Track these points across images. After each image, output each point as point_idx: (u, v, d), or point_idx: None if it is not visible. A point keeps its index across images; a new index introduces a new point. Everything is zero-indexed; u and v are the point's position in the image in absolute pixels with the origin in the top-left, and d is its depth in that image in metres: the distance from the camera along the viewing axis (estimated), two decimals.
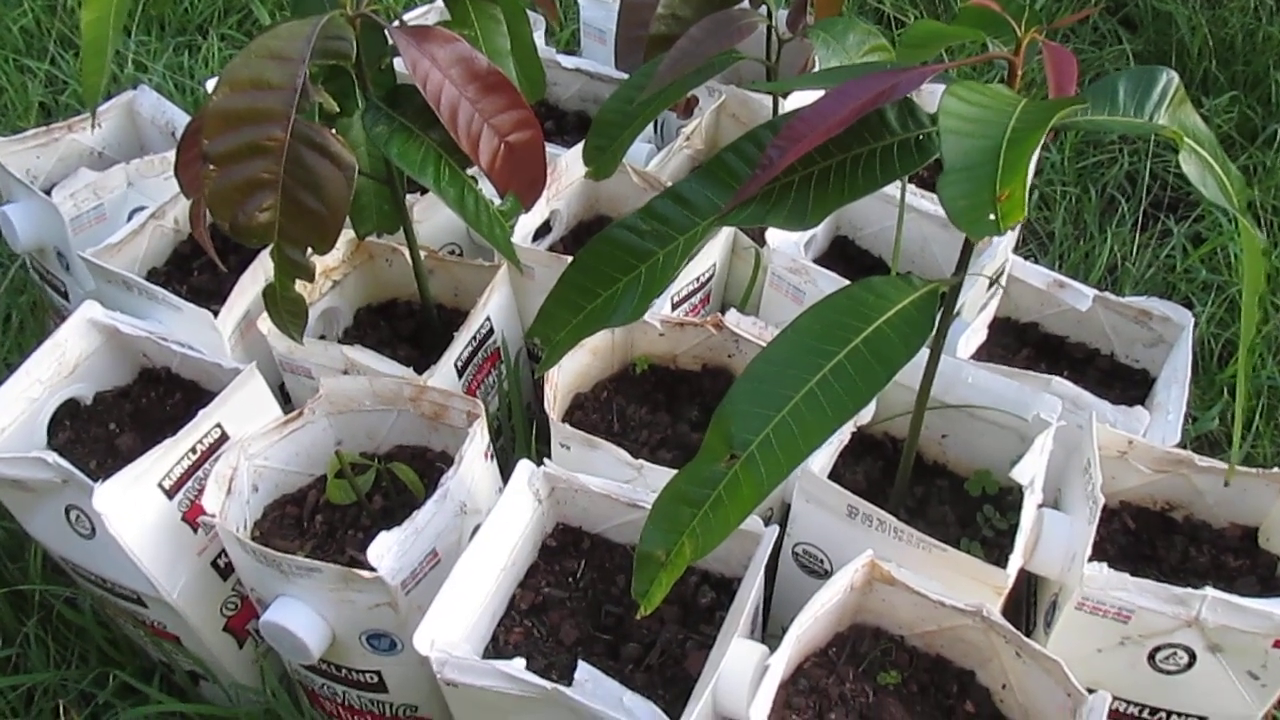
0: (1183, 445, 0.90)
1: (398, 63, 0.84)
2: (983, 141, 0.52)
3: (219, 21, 1.80)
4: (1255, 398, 1.25)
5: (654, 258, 0.65)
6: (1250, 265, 0.63)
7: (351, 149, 0.72)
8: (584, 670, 0.67)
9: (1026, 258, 1.46)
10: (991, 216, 0.49)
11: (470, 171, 0.83)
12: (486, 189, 0.84)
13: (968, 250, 0.69)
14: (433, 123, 0.79)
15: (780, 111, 1.12)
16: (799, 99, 1.14)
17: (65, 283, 1.14)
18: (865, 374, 0.60)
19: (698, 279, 1.05)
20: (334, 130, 0.72)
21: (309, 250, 0.75)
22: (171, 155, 1.11)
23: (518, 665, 0.67)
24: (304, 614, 0.77)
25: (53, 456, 0.80)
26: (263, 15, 1.77)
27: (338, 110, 0.76)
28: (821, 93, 0.61)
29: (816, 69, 1.16)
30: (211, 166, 0.70)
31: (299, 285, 0.80)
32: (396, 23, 0.88)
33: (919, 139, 0.62)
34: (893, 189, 1.07)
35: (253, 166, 0.71)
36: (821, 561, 0.84)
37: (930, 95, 1.13)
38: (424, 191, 1.07)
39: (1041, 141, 0.52)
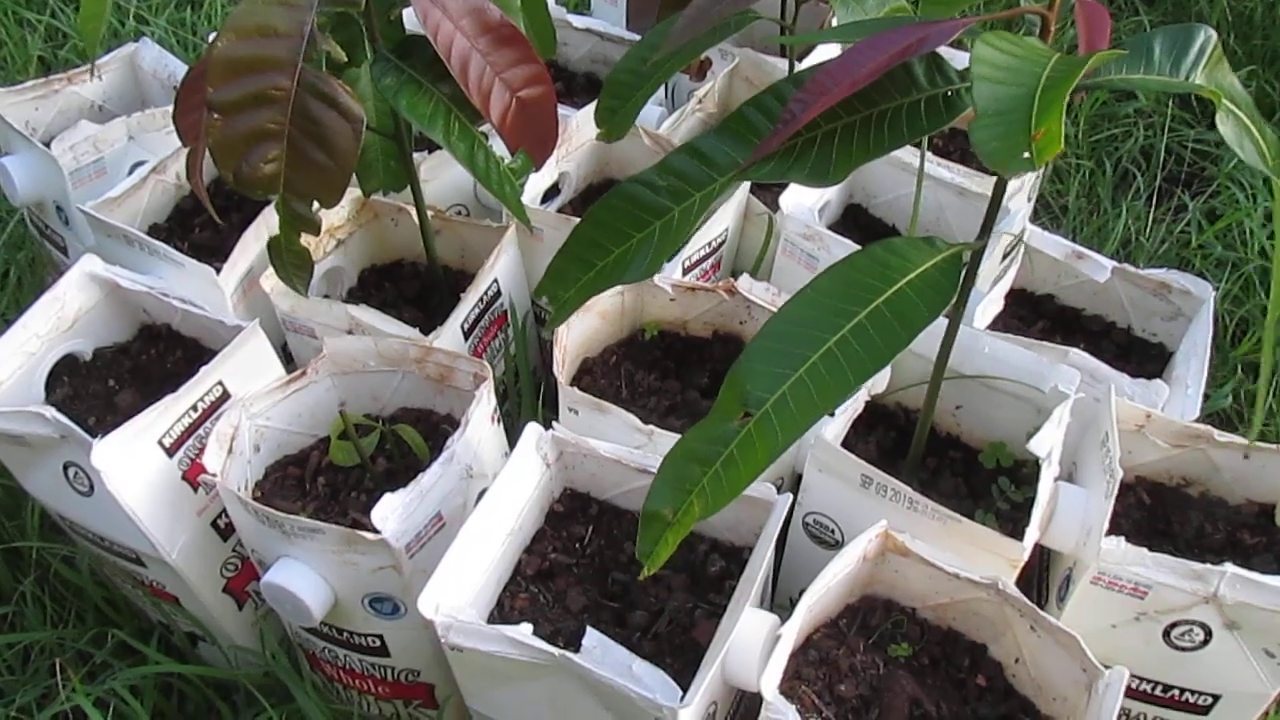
0: (1200, 418, 0.88)
1: (408, 14, 0.81)
2: (1015, 89, 0.50)
3: None
4: (1271, 375, 1.23)
5: (669, 214, 0.63)
6: None
7: (358, 97, 0.70)
8: (592, 637, 0.65)
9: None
10: (1026, 154, 0.47)
11: (480, 127, 0.81)
12: (496, 146, 0.82)
13: (993, 211, 0.67)
14: (443, 75, 0.77)
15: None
16: (816, 61, 1.12)
17: (64, 238, 1.12)
18: (886, 334, 0.59)
19: (709, 244, 1.03)
20: (342, 81, 0.70)
21: (314, 204, 0.73)
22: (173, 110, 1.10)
23: (525, 630, 0.66)
24: (306, 575, 0.76)
25: (51, 411, 0.78)
26: None
27: (345, 60, 0.73)
28: (837, 51, 0.59)
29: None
30: (216, 115, 0.68)
31: (304, 239, 0.78)
32: None
33: (947, 95, 0.60)
34: (909, 156, 1.05)
35: (258, 116, 0.69)
36: (833, 531, 0.82)
37: (953, 58, 1.11)
38: (431, 150, 1.05)
39: (1076, 83, 0.50)
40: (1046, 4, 0.59)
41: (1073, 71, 0.49)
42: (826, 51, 1.16)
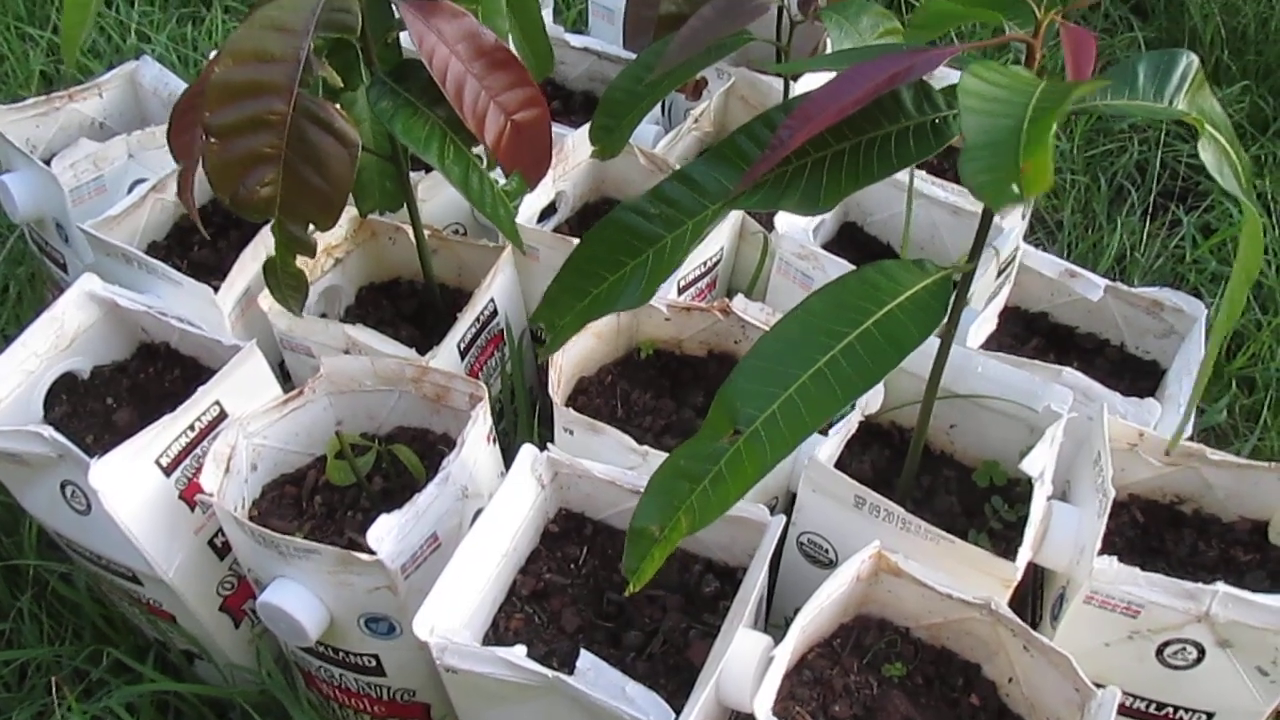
0: (1191, 438, 0.89)
1: (404, 37, 0.82)
2: (1004, 120, 0.51)
3: None
4: (1264, 390, 1.24)
5: (661, 242, 0.63)
6: (1247, 252, 0.61)
7: (355, 125, 0.71)
8: (586, 659, 0.66)
9: (1035, 247, 1.45)
10: (1015, 188, 0.48)
11: (475, 150, 0.82)
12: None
13: (982, 234, 0.68)
14: (438, 99, 0.77)
15: (791, 94, 1.10)
16: (811, 82, 1.13)
17: (64, 255, 1.13)
18: (876, 355, 0.59)
19: (705, 263, 1.03)
20: (338, 105, 0.71)
21: (310, 226, 0.74)
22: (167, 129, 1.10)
23: (519, 652, 0.66)
24: (302, 596, 0.76)
25: (49, 431, 0.79)
26: None
27: (341, 86, 0.74)
28: (832, 73, 0.60)
29: (828, 52, 1.14)
30: (213, 140, 0.69)
31: (300, 260, 0.79)
32: None
33: (935, 122, 0.60)
34: (904, 175, 1.06)
35: (255, 140, 0.70)
36: (826, 551, 0.83)
37: (942, 80, 1.11)
38: (428, 169, 1.06)
39: (1063, 117, 0.50)
40: (1032, 31, 0.60)
41: (1059, 102, 0.49)
42: (823, 73, 1.17)
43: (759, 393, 0.57)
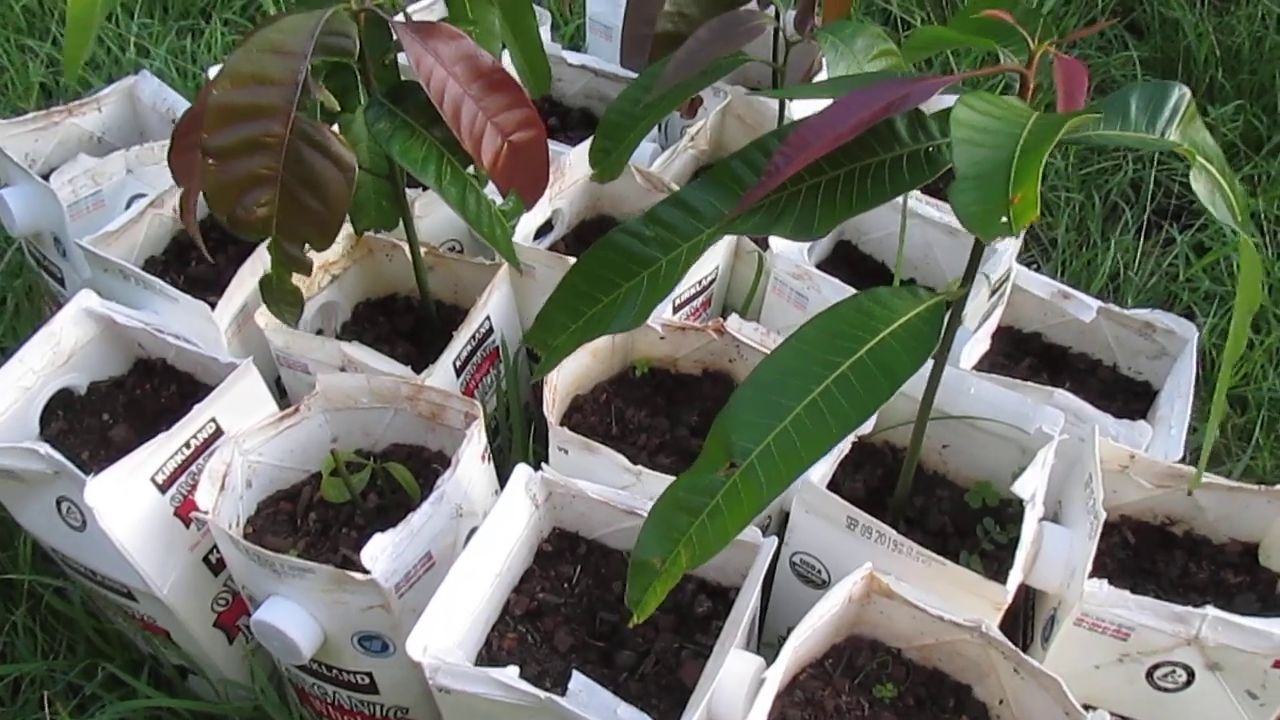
0: (1184, 458, 0.89)
1: (401, 57, 0.83)
2: (995, 152, 0.52)
3: (222, 6, 1.79)
4: (1256, 410, 1.25)
5: (657, 264, 0.64)
6: (1246, 283, 0.62)
7: (352, 147, 0.72)
8: (578, 680, 0.66)
9: (1029, 264, 1.46)
10: (1004, 219, 0.48)
11: (471, 170, 0.82)
12: (488, 187, 0.83)
13: (975, 260, 0.68)
14: (435, 120, 0.78)
15: (786, 114, 1.11)
16: (807, 102, 1.14)
17: (62, 269, 1.13)
18: (869, 385, 0.60)
19: (700, 282, 1.04)
20: (335, 127, 0.71)
21: (306, 246, 0.74)
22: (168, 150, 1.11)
23: (511, 673, 0.66)
24: (296, 614, 0.76)
25: (45, 448, 0.79)
26: (266, 0, 1.75)
27: (339, 109, 0.75)
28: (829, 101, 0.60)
29: (823, 71, 1.15)
30: (211, 161, 0.70)
31: (296, 277, 0.79)
32: (400, 16, 0.88)
33: (929, 150, 0.61)
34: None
35: (252, 162, 0.70)
36: (819, 572, 0.83)
37: (935, 103, 1.12)
38: (425, 187, 1.06)
39: (1051, 148, 0.51)
40: (1025, 62, 0.61)
41: (1050, 135, 0.50)
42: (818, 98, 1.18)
43: (754, 424, 0.57)
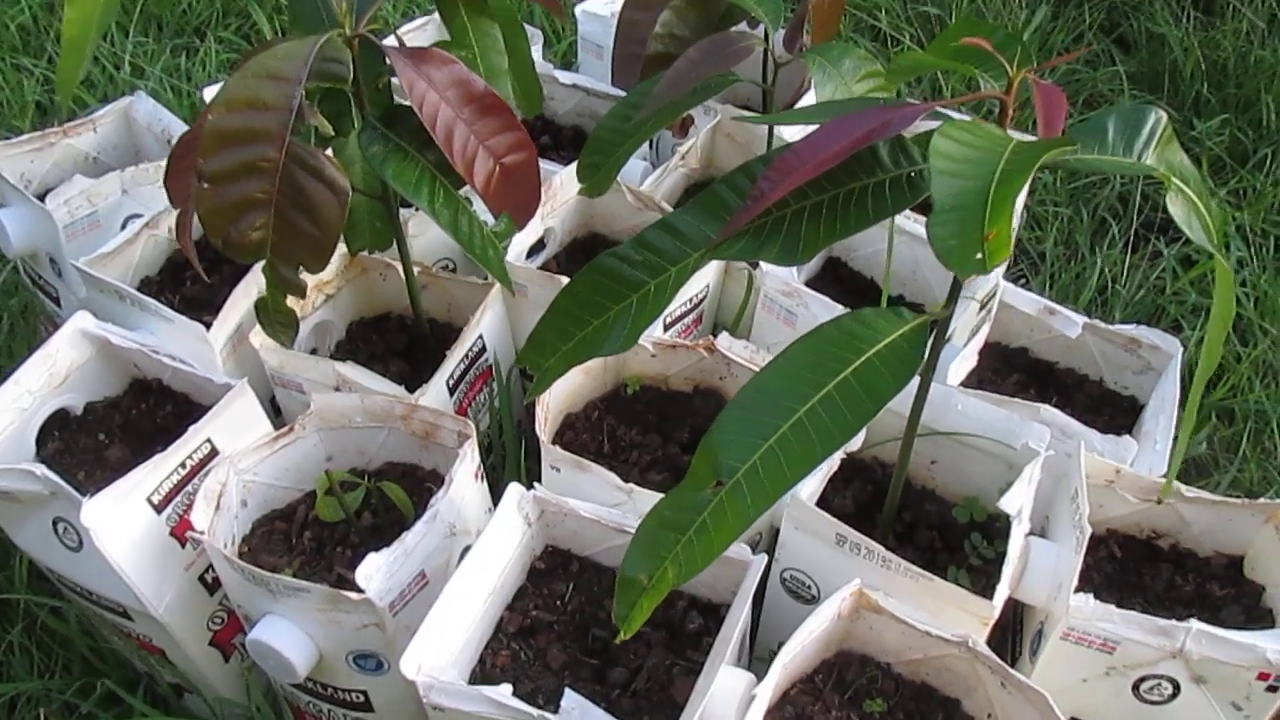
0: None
1: (395, 80, 0.84)
2: (972, 182, 0.53)
3: (217, 24, 1.80)
4: (1243, 422, 1.26)
5: (645, 287, 0.65)
6: (1220, 298, 0.63)
7: (345, 170, 0.73)
8: (570, 698, 0.67)
9: (1018, 278, 1.47)
10: (979, 255, 0.50)
11: (463, 191, 0.83)
12: (479, 206, 0.84)
13: (958, 280, 0.69)
14: (428, 144, 0.79)
15: (776, 134, 1.12)
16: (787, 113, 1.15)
17: (57, 289, 1.14)
18: (854, 406, 0.61)
19: (690, 300, 1.05)
20: (329, 150, 0.72)
21: (300, 268, 0.75)
22: (165, 163, 1.12)
23: (504, 691, 0.67)
24: (291, 633, 0.77)
25: (41, 469, 0.80)
26: (261, 19, 1.77)
27: (333, 133, 0.76)
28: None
29: (812, 90, 1.16)
30: (206, 185, 0.71)
31: (291, 299, 0.80)
32: (392, 37, 0.89)
33: (910, 176, 0.62)
34: None
35: (247, 186, 0.71)
36: (809, 587, 0.84)
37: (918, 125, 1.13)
38: (418, 207, 1.07)
39: (1028, 181, 0.52)
40: (1004, 88, 0.62)
41: (1027, 165, 0.51)
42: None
43: (740, 443, 0.58)
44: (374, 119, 0.81)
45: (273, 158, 0.71)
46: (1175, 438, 0.96)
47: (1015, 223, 1.17)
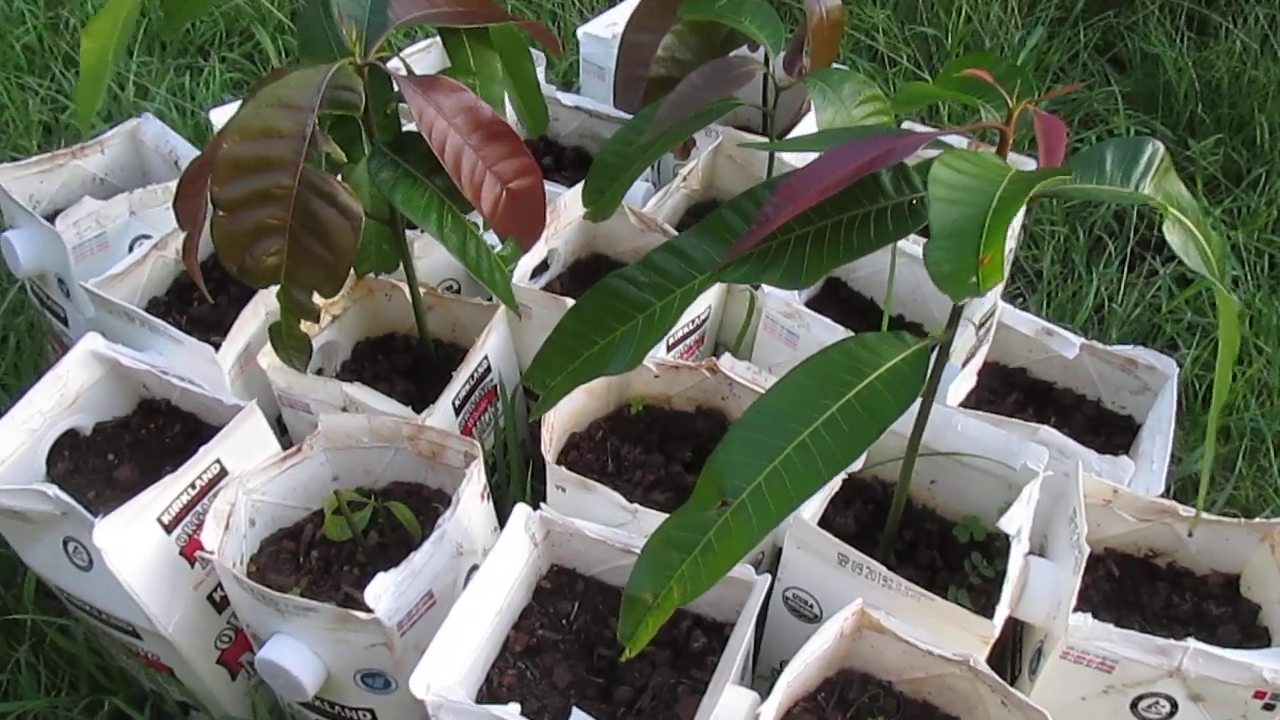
0: (1168, 489, 0.92)
1: (402, 106, 0.85)
2: (970, 210, 0.54)
3: (220, 44, 1.82)
4: (1239, 440, 1.27)
5: (651, 309, 0.66)
6: (1226, 331, 0.64)
7: (357, 195, 0.74)
8: (578, 716, 0.68)
9: (1015, 297, 1.49)
10: (973, 280, 0.51)
11: (469, 216, 0.84)
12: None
13: (957, 307, 0.70)
14: (436, 169, 0.80)
15: (776, 157, 1.14)
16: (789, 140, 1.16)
17: (65, 309, 1.15)
18: (857, 428, 0.62)
19: (693, 321, 1.06)
20: (340, 177, 0.74)
21: (314, 292, 0.77)
22: (173, 185, 1.13)
23: (513, 710, 0.68)
24: (300, 652, 0.78)
25: (53, 490, 0.80)
26: (265, 39, 1.78)
27: (345, 159, 0.77)
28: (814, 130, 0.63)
29: (812, 113, 1.18)
30: (221, 212, 0.72)
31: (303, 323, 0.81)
32: (397, 60, 0.90)
33: (912, 203, 0.64)
34: None
35: (261, 213, 0.72)
36: (811, 606, 0.85)
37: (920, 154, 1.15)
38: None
39: (1022, 209, 0.53)
40: (1005, 118, 0.63)
41: (1023, 193, 0.52)
42: (806, 130, 1.21)
43: (745, 464, 0.59)
44: (383, 145, 0.83)
45: (287, 184, 0.72)
46: (1177, 457, 0.97)
47: (1012, 244, 1.18)
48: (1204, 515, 0.87)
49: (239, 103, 1.20)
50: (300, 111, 0.72)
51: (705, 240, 0.67)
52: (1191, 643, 0.76)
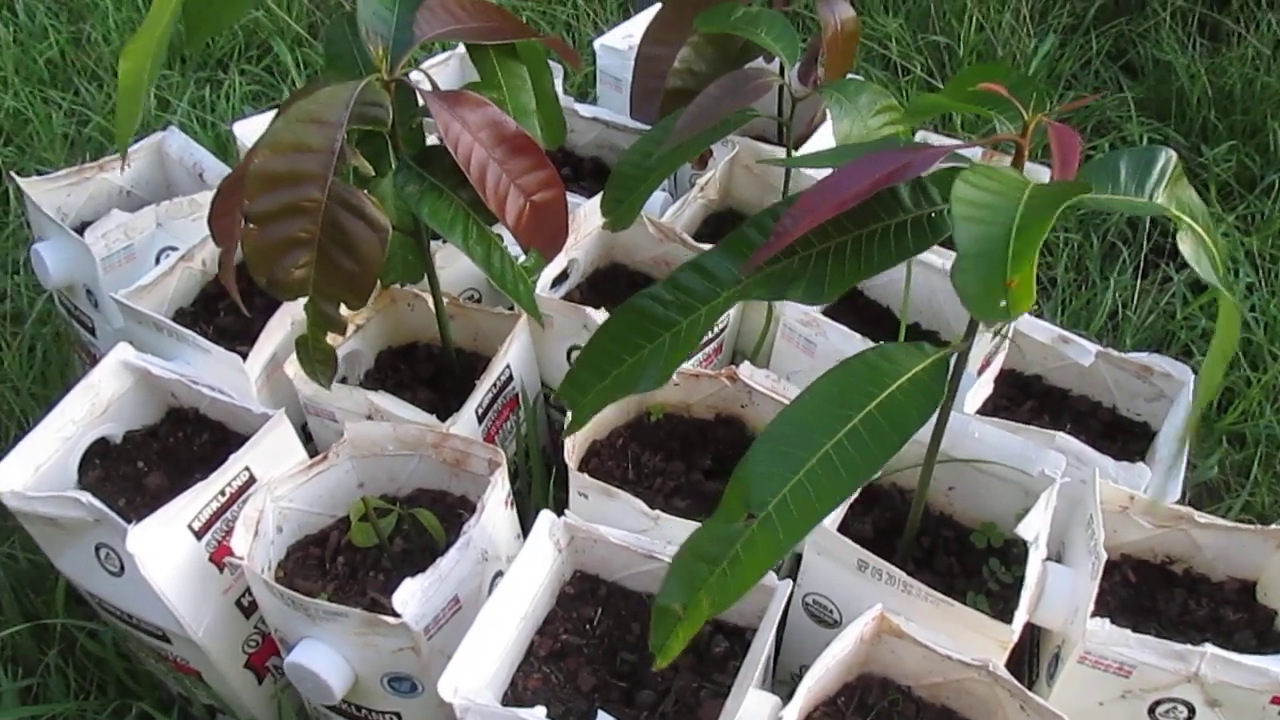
0: (1183, 496, 0.92)
1: (427, 120, 0.87)
2: (993, 228, 0.55)
3: (239, 57, 1.84)
4: (1254, 446, 1.28)
5: (677, 326, 0.67)
6: (1223, 330, 0.65)
7: (384, 208, 0.75)
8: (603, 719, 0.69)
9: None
10: (1003, 303, 0.52)
11: (494, 228, 0.86)
12: (508, 241, 0.87)
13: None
14: (462, 182, 0.82)
15: (793, 169, 1.15)
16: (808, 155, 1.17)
17: (93, 319, 1.17)
18: (879, 438, 0.63)
19: (712, 330, 1.07)
20: (366, 190, 0.75)
21: (341, 305, 0.78)
22: (198, 197, 1.15)
23: (538, 714, 0.69)
24: (328, 656, 0.79)
25: (87, 497, 0.82)
26: (284, 52, 1.80)
27: (373, 174, 0.79)
28: (831, 140, 0.64)
29: (828, 123, 1.19)
30: (252, 225, 0.73)
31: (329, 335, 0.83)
32: (417, 72, 0.92)
33: (931, 216, 0.65)
34: None
35: (291, 226, 0.74)
36: (831, 612, 0.86)
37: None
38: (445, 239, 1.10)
39: (1049, 229, 0.55)
40: (1020, 130, 0.64)
41: (1045, 212, 0.53)
42: (822, 140, 1.22)
43: (770, 476, 0.60)
44: (409, 159, 0.84)
45: (316, 198, 0.74)
46: (1192, 464, 0.98)
47: None
48: (1221, 521, 0.87)
49: (260, 116, 1.23)
50: (330, 127, 0.74)
51: (728, 258, 0.68)
52: (1209, 648, 0.76)
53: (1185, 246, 0.63)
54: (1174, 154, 0.66)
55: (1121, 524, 0.89)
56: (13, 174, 1.23)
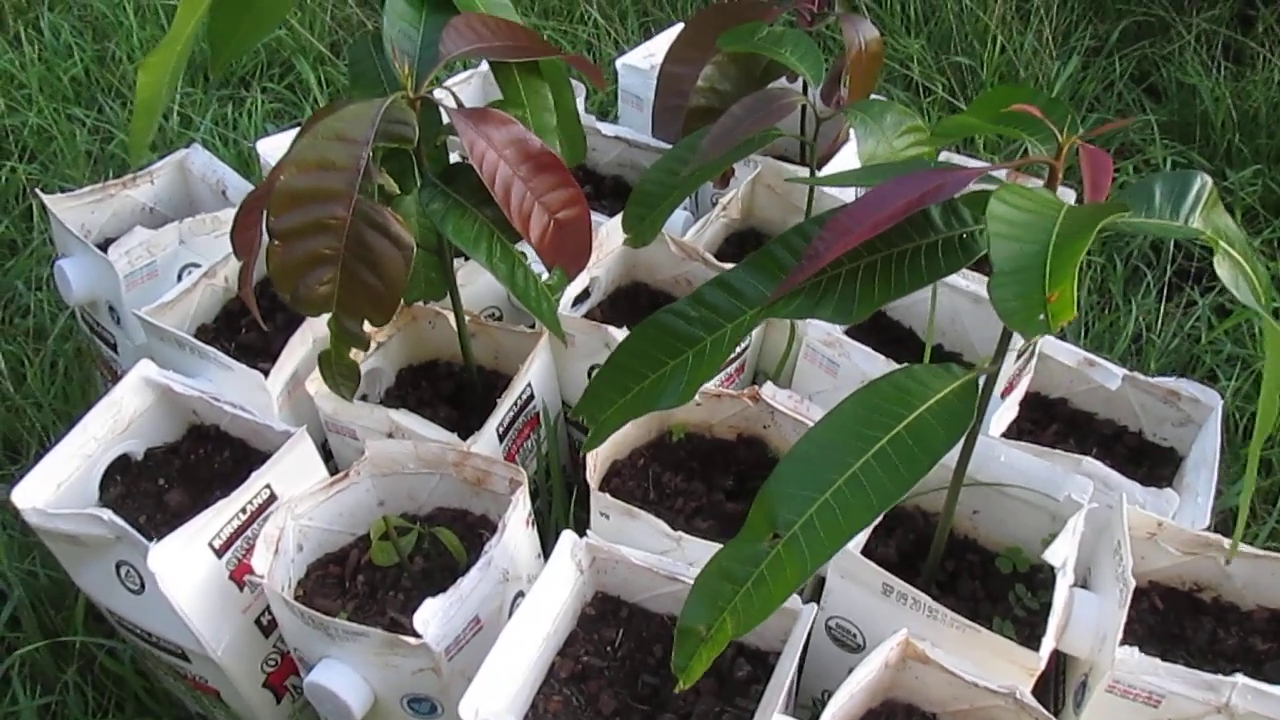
0: (1212, 523, 0.91)
1: (450, 138, 0.87)
2: (1029, 246, 0.55)
3: (262, 75, 1.85)
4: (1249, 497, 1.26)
5: (701, 344, 0.67)
6: (1272, 360, 0.64)
7: (408, 226, 0.75)
8: None
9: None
10: (1042, 316, 0.52)
11: (518, 246, 0.86)
12: (531, 258, 0.86)
13: (1006, 336, 0.71)
14: (486, 200, 0.82)
15: (816, 189, 1.14)
16: (838, 165, 1.17)
17: (115, 335, 1.17)
18: (907, 460, 0.62)
19: (735, 349, 1.07)
20: (390, 208, 0.75)
21: (365, 321, 0.78)
22: (221, 214, 1.16)
23: None
24: (348, 677, 0.79)
25: (108, 514, 0.82)
26: (306, 69, 1.81)
27: (398, 191, 0.79)
28: (854, 157, 0.63)
29: (851, 142, 1.19)
30: (277, 242, 0.73)
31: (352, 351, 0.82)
32: (441, 90, 0.92)
33: (963, 237, 0.64)
34: None
35: (315, 242, 0.74)
36: (855, 636, 0.85)
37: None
38: (467, 256, 1.10)
39: (1089, 244, 0.54)
40: (1053, 153, 0.64)
41: (1082, 231, 0.53)
42: (845, 159, 1.22)
43: (796, 496, 0.60)
44: (434, 176, 0.84)
45: (341, 216, 0.74)
46: (1219, 491, 0.97)
47: None
48: (1250, 550, 0.86)
49: (283, 134, 1.24)
50: (355, 144, 0.74)
51: (755, 275, 0.68)
52: (1240, 678, 0.75)
53: (1223, 271, 0.63)
54: (1209, 179, 0.65)
55: (1149, 550, 0.88)
56: (37, 191, 1.24)
